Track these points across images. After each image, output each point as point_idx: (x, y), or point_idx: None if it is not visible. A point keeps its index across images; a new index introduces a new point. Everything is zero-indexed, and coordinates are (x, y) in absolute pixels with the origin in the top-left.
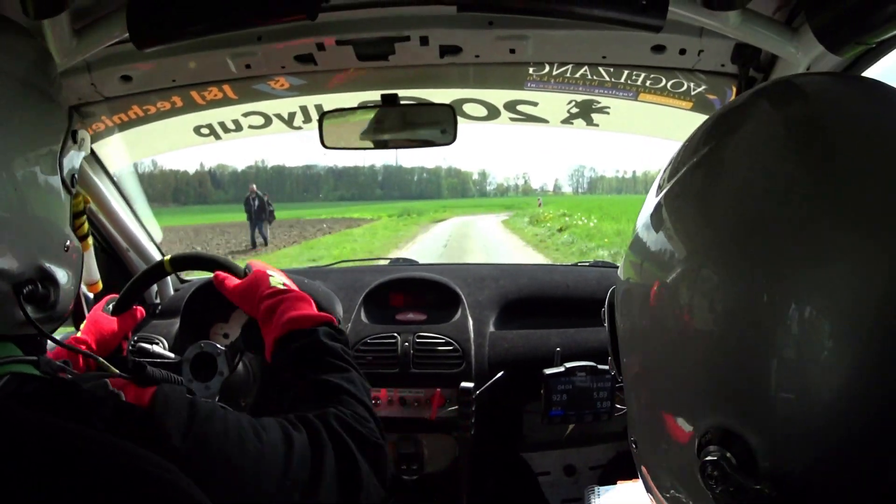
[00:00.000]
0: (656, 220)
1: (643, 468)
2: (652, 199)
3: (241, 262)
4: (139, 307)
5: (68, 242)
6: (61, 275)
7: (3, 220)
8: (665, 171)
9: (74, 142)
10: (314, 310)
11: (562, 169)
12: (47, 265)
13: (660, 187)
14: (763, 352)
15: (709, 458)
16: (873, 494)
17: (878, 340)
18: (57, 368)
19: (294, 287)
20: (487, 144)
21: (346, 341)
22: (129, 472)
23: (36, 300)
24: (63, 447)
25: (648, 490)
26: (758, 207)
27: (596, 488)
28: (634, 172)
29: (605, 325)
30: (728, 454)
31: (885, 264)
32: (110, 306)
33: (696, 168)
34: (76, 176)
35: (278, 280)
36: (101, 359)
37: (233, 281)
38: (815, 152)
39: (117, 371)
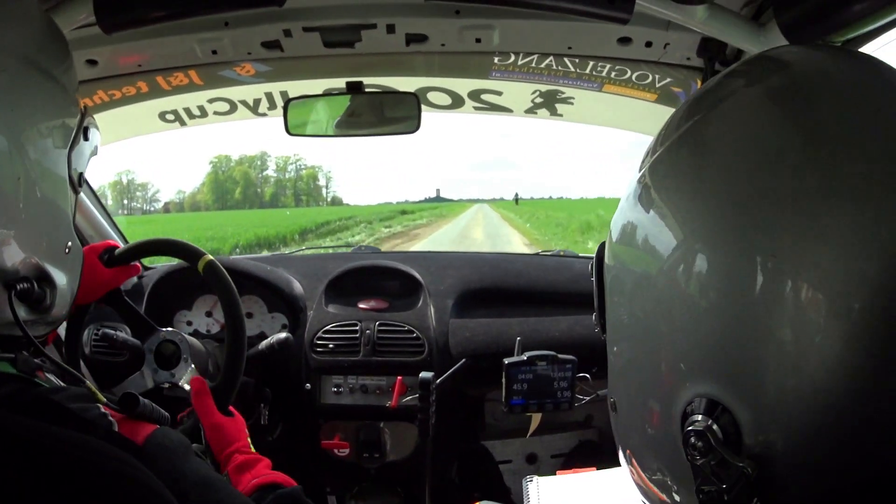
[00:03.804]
0: (644, 200)
1: (627, 451)
2: (636, 181)
3: None
4: (137, 263)
5: (69, 243)
6: (59, 276)
7: (3, 210)
8: (647, 152)
9: (86, 139)
10: None
11: None
12: (45, 265)
13: (641, 168)
14: (759, 330)
15: (693, 427)
16: (855, 482)
17: (872, 322)
18: (35, 367)
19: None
20: None
21: None
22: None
23: (30, 300)
24: (57, 452)
25: (635, 481)
26: (749, 181)
27: (535, 478)
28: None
29: (593, 279)
30: (714, 426)
31: (878, 241)
32: (106, 256)
33: (680, 146)
34: (83, 175)
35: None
36: (89, 382)
37: (212, 404)
38: (803, 119)
39: (104, 400)
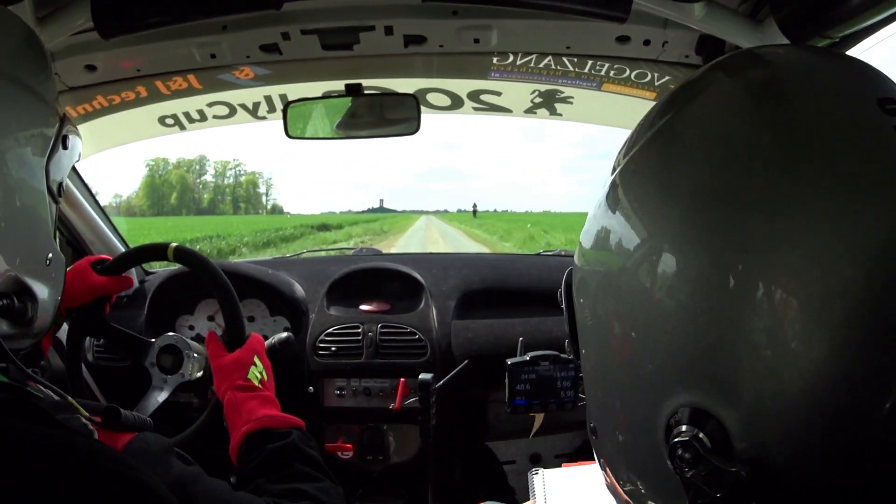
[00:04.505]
0: (612, 200)
1: (602, 460)
2: (607, 181)
3: None
4: (129, 276)
5: (50, 255)
6: (40, 289)
7: None
8: (621, 150)
9: (65, 148)
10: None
11: None
12: (25, 279)
13: (615, 167)
14: (732, 335)
15: (679, 439)
16: (852, 477)
17: (848, 327)
18: (27, 377)
19: (267, 387)
20: None
21: (317, 448)
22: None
23: (11, 315)
24: (47, 451)
25: (608, 484)
26: (721, 179)
27: (540, 471)
28: None
29: (563, 306)
30: (701, 435)
31: (854, 244)
32: (99, 267)
33: (653, 141)
34: (63, 184)
35: (256, 372)
36: (70, 398)
37: (221, 349)
38: (776, 116)
39: (87, 414)
